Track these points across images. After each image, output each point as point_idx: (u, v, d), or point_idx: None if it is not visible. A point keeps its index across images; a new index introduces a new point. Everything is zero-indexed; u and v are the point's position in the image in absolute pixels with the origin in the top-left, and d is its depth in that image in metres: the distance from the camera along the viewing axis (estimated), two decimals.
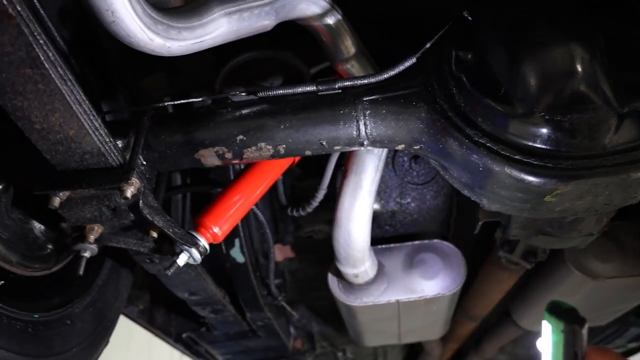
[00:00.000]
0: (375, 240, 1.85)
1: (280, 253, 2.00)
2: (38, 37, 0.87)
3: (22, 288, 1.26)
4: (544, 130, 1.05)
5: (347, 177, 1.50)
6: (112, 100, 1.49)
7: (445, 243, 1.83)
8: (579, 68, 1.03)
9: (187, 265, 1.33)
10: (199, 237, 1.29)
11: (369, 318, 1.92)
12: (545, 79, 1.04)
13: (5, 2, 0.79)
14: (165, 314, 2.20)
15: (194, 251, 1.27)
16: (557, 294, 1.93)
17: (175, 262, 1.26)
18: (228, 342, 2.40)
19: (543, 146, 1.06)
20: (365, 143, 1.23)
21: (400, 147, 1.25)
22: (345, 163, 1.55)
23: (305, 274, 2.17)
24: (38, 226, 1.29)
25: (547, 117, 1.04)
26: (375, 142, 1.23)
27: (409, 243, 1.83)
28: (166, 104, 1.25)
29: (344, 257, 1.57)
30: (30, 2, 1.05)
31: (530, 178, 1.05)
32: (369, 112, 1.20)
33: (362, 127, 1.20)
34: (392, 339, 2.21)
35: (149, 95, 1.52)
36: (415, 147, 1.23)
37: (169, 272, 1.26)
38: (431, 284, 1.78)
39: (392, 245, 1.83)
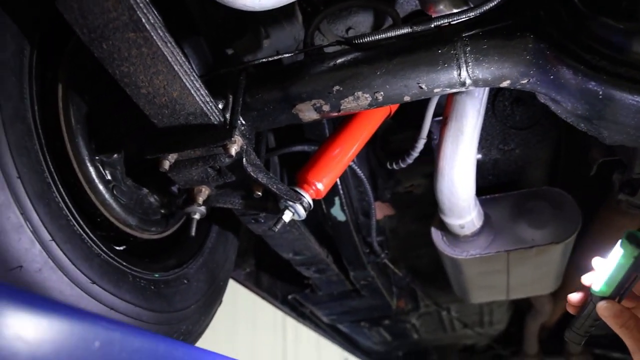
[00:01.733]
0: (479, 191, 1.77)
1: (380, 211, 1.98)
2: (139, 0, 0.90)
3: (141, 251, 1.34)
4: None
5: (447, 124, 1.43)
6: (204, 65, 1.53)
7: (556, 189, 1.70)
8: None
9: (291, 223, 1.35)
10: (302, 193, 1.30)
11: (476, 272, 1.85)
12: None
13: None
14: (270, 277, 2.27)
15: (299, 207, 1.28)
16: None
17: (281, 218, 1.28)
18: (332, 303, 2.43)
19: None
20: (467, 82, 1.16)
21: (505, 83, 1.16)
22: (444, 109, 1.49)
23: (406, 231, 2.13)
24: (150, 193, 1.36)
25: None
26: (477, 81, 1.15)
27: (516, 192, 1.73)
28: (261, 60, 1.25)
29: (448, 208, 1.52)
30: None
31: None
32: (469, 48, 1.12)
33: (463, 66, 1.13)
34: (500, 295, 2.13)
35: (240, 59, 1.54)
36: (522, 82, 1.14)
37: (275, 229, 1.28)
38: (542, 232, 1.68)
39: (497, 195, 1.74)
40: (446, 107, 1.46)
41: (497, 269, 1.81)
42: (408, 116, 1.61)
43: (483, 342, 3.75)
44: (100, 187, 1.18)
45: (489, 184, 1.80)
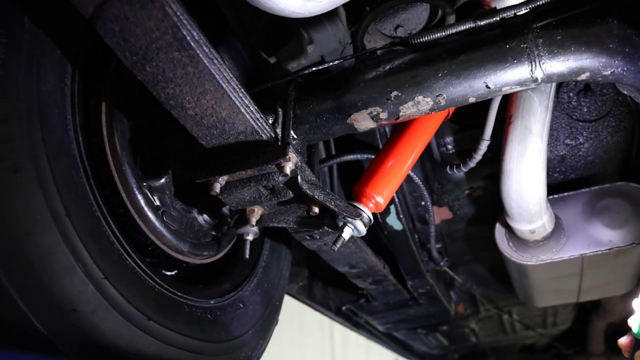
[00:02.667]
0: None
1: (437, 216, 1.87)
2: (182, 17, 0.82)
3: (195, 277, 1.28)
4: None
5: (513, 122, 1.32)
6: (246, 77, 1.46)
7: (634, 185, 1.55)
8: None
9: (362, 234, 1.26)
10: (362, 208, 1.21)
11: (546, 277, 1.72)
12: None
13: None
14: (323, 288, 2.19)
15: (359, 223, 1.19)
16: None
17: (340, 236, 1.19)
18: (388, 312, 2.34)
19: None
20: (539, 78, 1.04)
21: (584, 76, 1.04)
22: (508, 107, 1.37)
23: (465, 234, 2.02)
24: (200, 215, 1.29)
25: None
26: (552, 76, 1.04)
27: (587, 189, 1.59)
28: (311, 69, 1.17)
29: (517, 213, 1.40)
30: None
31: None
32: (541, 40, 1.01)
33: (535, 60, 1.02)
34: (570, 298, 1.99)
35: (284, 68, 1.46)
36: (604, 74, 1.02)
37: (335, 248, 1.19)
38: (620, 233, 1.54)
39: (566, 193, 1.60)
40: (510, 104, 1.34)
41: (569, 273, 1.68)
42: (465, 115, 1.50)
43: (543, 341, 3.58)
44: (150, 214, 1.12)
45: (555, 181, 1.66)
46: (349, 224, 1.19)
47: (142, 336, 0.95)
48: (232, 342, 1.23)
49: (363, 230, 1.20)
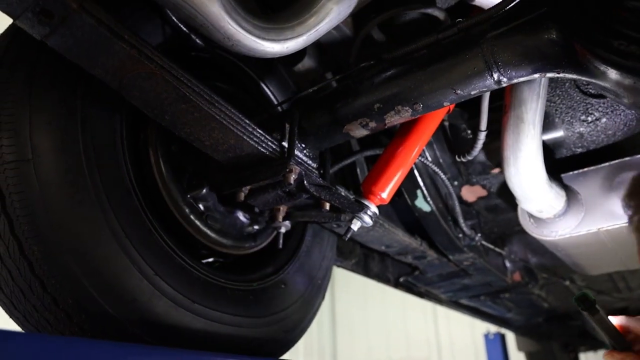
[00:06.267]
0: (567, 166, 1.71)
1: (471, 194, 1.98)
2: (182, 78, 1.08)
3: (240, 265, 1.57)
4: None
5: (507, 113, 1.43)
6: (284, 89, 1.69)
7: None
8: None
9: (374, 223, 1.46)
10: (367, 204, 1.41)
11: (576, 250, 1.78)
12: None
13: (149, 64, 1.01)
14: (380, 262, 2.40)
15: (365, 216, 1.40)
16: None
17: (350, 228, 1.41)
18: (443, 282, 2.49)
19: None
20: (503, 81, 1.17)
21: (542, 75, 1.15)
22: (504, 98, 1.47)
23: (507, 207, 2.09)
24: (241, 214, 1.57)
25: None
26: (512, 78, 1.16)
27: (606, 164, 1.62)
28: (308, 91, 1.38)
29: (521, 195, 1.51)
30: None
31: None
32: (495, 48, 1.13)
33: (493, 66, 1.15)
34: (618, 266, 2.00)
35: (305, 78, 1.67)
36: (557, 75, 1.12)
37: (346, 238, 1.41)
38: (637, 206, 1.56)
39: (585, 169, 1.65)
40: (505, 95, 1.45)
41: (598, 245, 1.72)
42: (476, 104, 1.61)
43: (634, 305, 3.46)
44: (195, 219, 1.42)
45: (580, 156, 1.71)
46: (356, 217, 1.40)
47: (189, 315, 1.26)
48: (273, 316, 1.51)
49: (369, 222, 1.41)
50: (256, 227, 1.63)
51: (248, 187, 1.36)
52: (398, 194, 1.88)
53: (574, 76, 1.09)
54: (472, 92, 1.20)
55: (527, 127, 1.37)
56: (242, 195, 1.35)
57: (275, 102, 1.60)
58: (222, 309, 1.35)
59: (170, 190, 1.38)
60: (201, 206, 1.46)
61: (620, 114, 1.58)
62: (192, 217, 1.42)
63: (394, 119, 1.29)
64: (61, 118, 1.14)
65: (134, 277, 1.17)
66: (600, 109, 1.59)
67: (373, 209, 1.40)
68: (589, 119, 1.60)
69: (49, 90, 1.13)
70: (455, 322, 8.43)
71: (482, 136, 1.54)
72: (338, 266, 2.22)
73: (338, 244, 2.08)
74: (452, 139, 1.81)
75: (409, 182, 1.80)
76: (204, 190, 1.46)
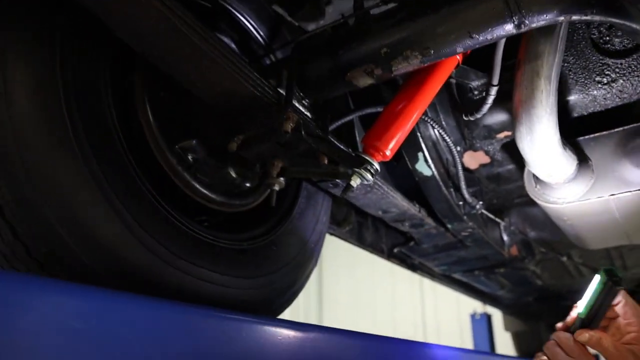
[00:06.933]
0: (578, 131, 1.63)
1: (473, 160, 1.90)
2: (174, 8, 0.97)
3: (231, 223, 1.48)
4: None
5: (521, 67, 1.33)
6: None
7: None
8: None
9: (371, 184, 1.37)
10: (368, 159, 1.32)
11: (581, 219, 1.71)
12: None
13: None
14: (374, 232, 2.32)
15: (365, 173, 1.30)
16: None
17: (349, 184, 1.32)
18: (439, 254, 2.42)
19: None
20: (523, 24, 1.07)
21: (569, 18, 1.05)
22: (518, 52, 1.38)
23: (510, 177, 2.02)
24: (232, 169, 1.47)
25: None
26: (533, 20, 1.06)
27: (620, 129, 1.54)
28: (309, 33, 1.27)
29: (530, 157, 1.42)
30: None
31: None
32: None
33: (514, 7, 1.04)
34: (620, 240, 1.93)
35: (302, 30, 1.56)
36: (586, 17, 1.02)
37: (344, 195, 1.32)
38: None
39: (597, 134, 1.57)
40: (520, 49, 1.35)
41: (605, 215, 1.65)
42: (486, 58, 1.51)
43: (626, 285, 3.43)
44: (183, 171, 1.32)
45: (593, 119, 1.62)
46: (356, 173, 1.31)
47: (173, 271, 1.16)
48: (262, 278, 1.43)
49: (370, 178, 1.31)
50: (248, 184, 1.53)
51: (241, 137, 1.26)
52: (397, 158, 1.79)
53: (605, 18, 1.00)
54: (489, 37, 1.10)
55: (542, 83, 1.28)
56: (234, 145, 1.25)
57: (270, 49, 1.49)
58: (209, 267, 1.26)
59: (157, 139, 1.28)
60: (190, 158, 1.36)
61: (638, 76, 1.50)
62: (179, 168, 1.31)
63: (401, 66, 1.19)
64: (37, 50, 1.03)
65: (115, 227, 1.07)
66: (617, 69, 1.50)
67: (375, 165, 1.30)
68: (605, 79, 1.52)
69: (24, 20, 1.02)
70: (442, 301, 8.47)
71: (493, 91, 1.44)
72: (331, 234, 2.14)
73: (332, 211, 2.00)
74: (459, 99, 1.71)
75: (410, 144, 1.71)
76: (194, 141, 1.36)
